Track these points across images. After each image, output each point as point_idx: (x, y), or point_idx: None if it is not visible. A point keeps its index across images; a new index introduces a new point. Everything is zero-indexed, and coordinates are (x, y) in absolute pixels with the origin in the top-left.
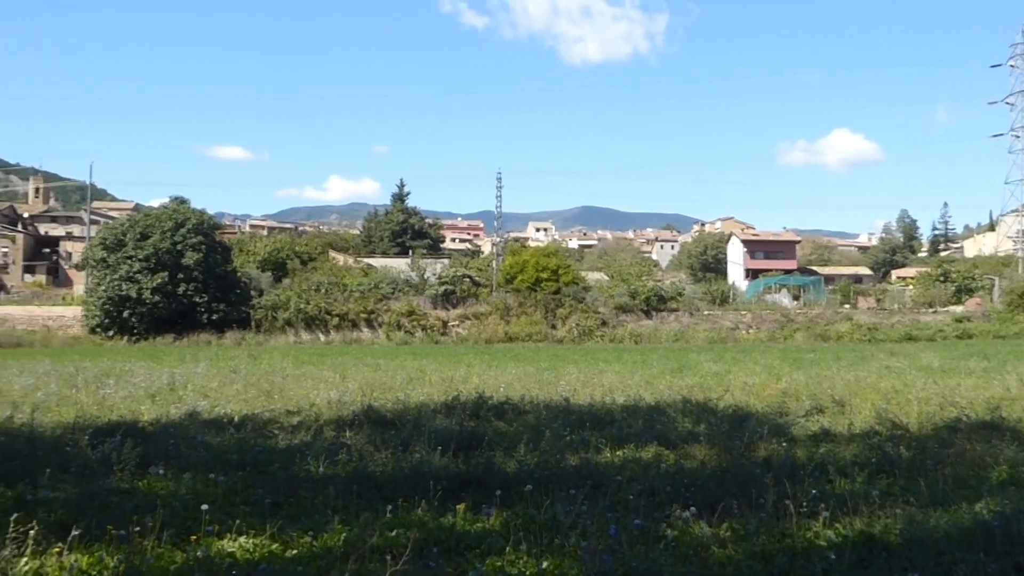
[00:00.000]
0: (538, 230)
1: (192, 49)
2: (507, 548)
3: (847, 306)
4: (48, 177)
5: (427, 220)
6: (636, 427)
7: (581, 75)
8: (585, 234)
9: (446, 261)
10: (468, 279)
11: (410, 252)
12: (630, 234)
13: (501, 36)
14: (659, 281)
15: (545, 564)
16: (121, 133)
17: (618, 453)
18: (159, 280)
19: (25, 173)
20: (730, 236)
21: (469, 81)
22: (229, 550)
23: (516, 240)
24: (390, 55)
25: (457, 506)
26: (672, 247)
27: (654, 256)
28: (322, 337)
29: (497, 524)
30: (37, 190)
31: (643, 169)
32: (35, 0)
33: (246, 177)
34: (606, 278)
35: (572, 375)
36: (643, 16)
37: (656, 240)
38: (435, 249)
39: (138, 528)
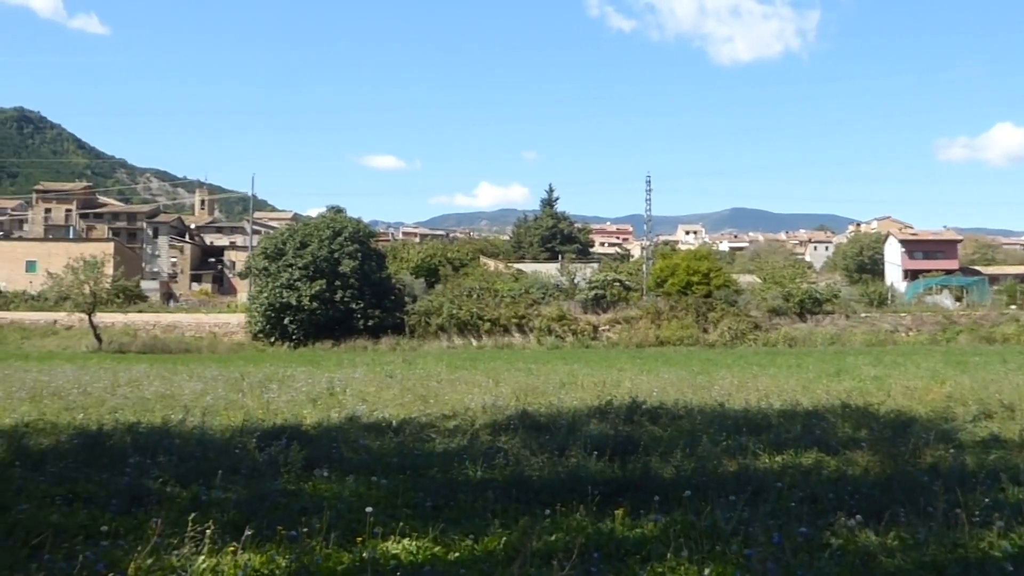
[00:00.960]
0: (688, 233)
1: (345, 60)
2: (668, 554)
3: (1013, 307)
4: (213, 189)
5: (576, 225)
6: (794, 432)
7: (731, 75)
8: (736, 236)
9: (595, 265)
10: (618, 283)
11: (560, 257)
12: (782, 235)
13: (648, 39)
14: (813, 283)
15: (707, 571)
16: (280, 145)
17: (776, 459)
18: (317, 287)
19: (192, 186)
20: (887, 236)
21: (617, 84)
22: (394, 552)
23: (665, 243)
24: (538, 61)
25: (615, 511)
26: (826, 248)
27: (807, 258)
28: (474, 342)
29: (657, 530)
30: (203, 202)
31: (795, 169)
32: (199, 23)
33: (399, 186)
34: (758, 281)
35: (725, 379)
36: (794, 13)
37: (809, 241)
38: (584, 254)
39: (306, 529)
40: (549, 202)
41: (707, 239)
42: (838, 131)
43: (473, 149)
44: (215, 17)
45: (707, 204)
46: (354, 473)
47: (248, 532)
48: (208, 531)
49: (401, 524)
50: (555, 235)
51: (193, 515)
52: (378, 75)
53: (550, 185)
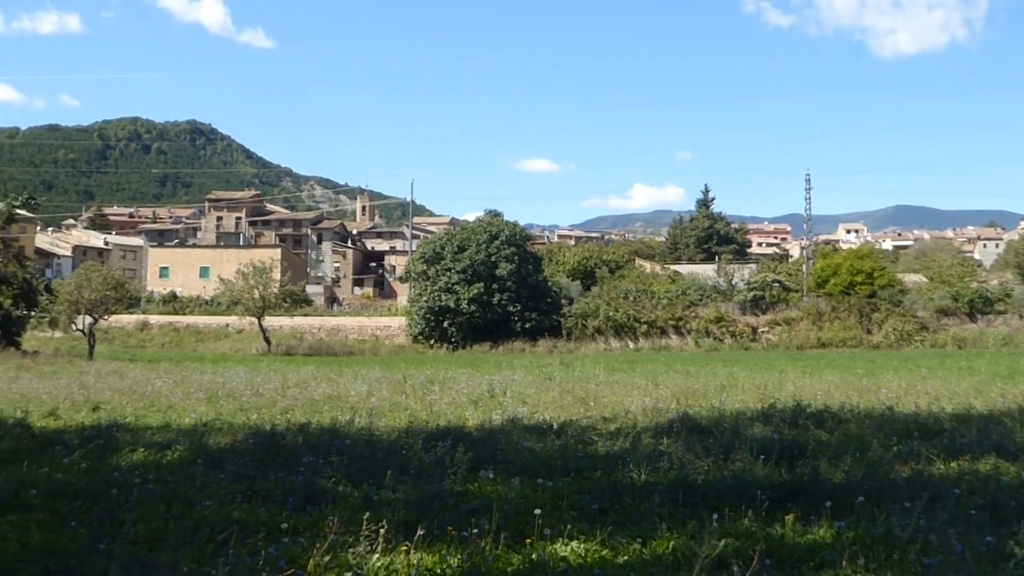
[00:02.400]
0: (849, 232)
1: (501, 66)
2: (843, 562)
3: None
4: (373, 196)
5: (732, 225)
6: (969, 437)
7: (893, 68)
8: (899, 234)
9: (753, 266)
10: (777, 284)
11: (716, 258)
12: (949, 233)
13: (806, 34)
14: (984, 282)
15: None
16: (437, 151)
17: (952, 465)
18: (475, 291)
19: (353, 193)
20: None
21: (774, 81)
22: (562, 554)
23: (826, 243)
24: (693, 60)
25: (785, 517)
26: (996, 246)
27: (976, 256)
28: (631, 344)
29: (829, 536)
30: (364, 208)
31: (962, 164)
32: (359, 35)
33: (552, 189)
34: (924, 280)
35: (892, 382)
36: (960, 3)
37: (978, 239)
38: (741, 254)
39: (476, 530)
40: (705, 202)
41: (869, 238)
42: (1009, 124)
43: (627, 150)
44: (374, 28)
45: (869, 202)
46: (519, 475)
47: (420, 532)
48: (382, 530)
49: (568, 527)
50: (711, 236)
51: (367, 514)
52: (531, 80)
53: (705, 185)
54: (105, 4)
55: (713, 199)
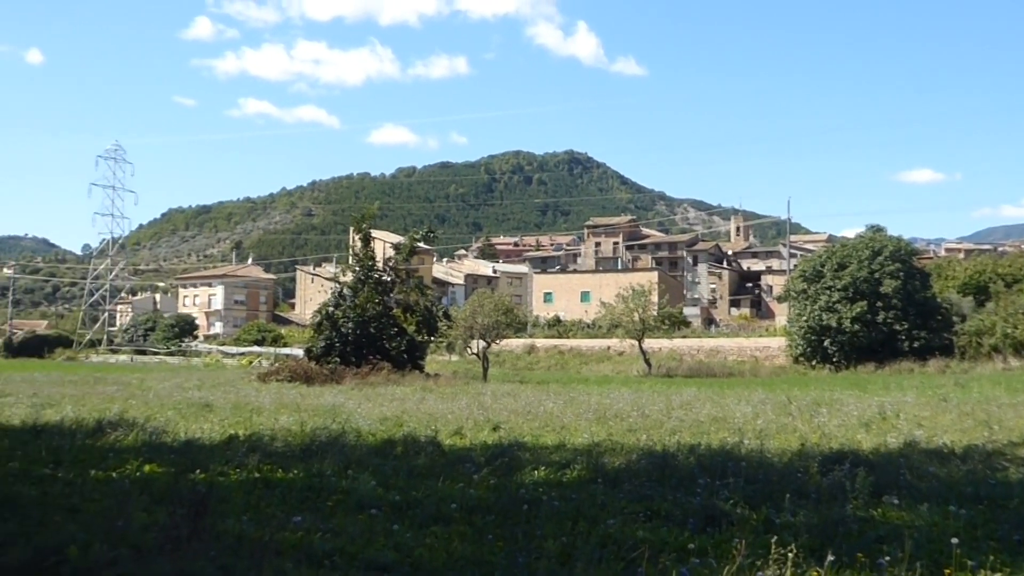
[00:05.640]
0: None
1: (875, 75)
2: None
3: None
4: (747, 216)
5: None
6: None
7: None
8: None
9: None
10: None
11: None
12: None
13: None
14: None
15: None
16: (811, 167)
17: None
18: (858, 309)
19: (726, 214)
20: None
21: None
22: None
23: None
24: None
25: None
26: None
27: None
28: None
29: None
30: (738, 229)
31: None
32: (728, 57)
33: (937, 200)
34: None
35: None
36: None
37: None
38: None
39: (888, 557)
40: None
41: None
42: None
43: (1020, 155)
44: (744, 49)
45: None
46: (926, 501)
47: (830, 557)
48: (790, 554)
49: (990, 557)
50: None
51: (775, 538)
52: (909, 86)
53: None
54: (487, 46)
55: None
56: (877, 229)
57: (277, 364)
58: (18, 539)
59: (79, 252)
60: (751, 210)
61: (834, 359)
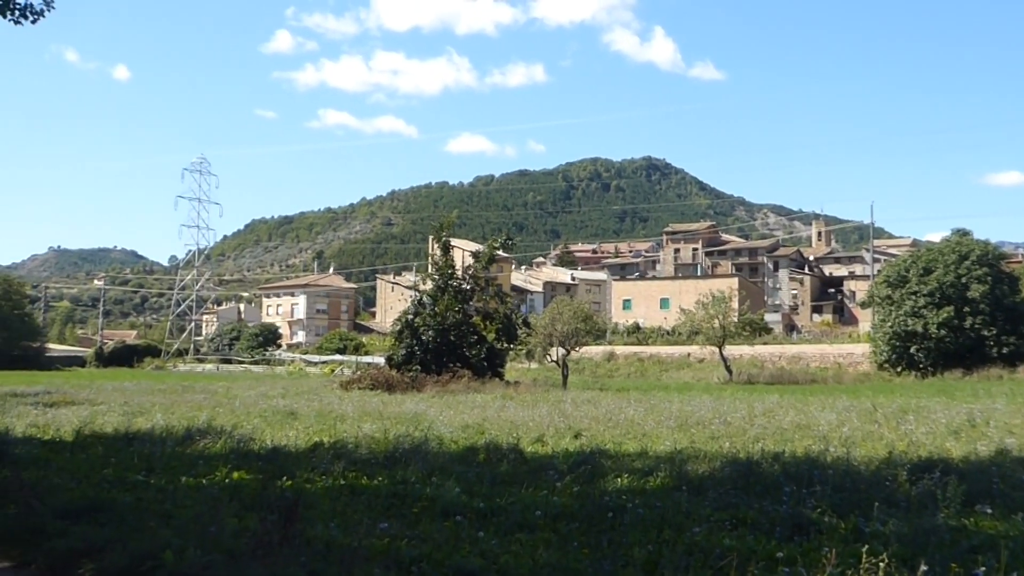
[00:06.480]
0: None
1: (962, 73)
2: None
3: None
4: (828, 220)
5: None
6: None
7: None
8: None
9: None
10: None
11: None
12: None
13: None
14: None
15: None
16: (895, 170)
17: None
18: (944, 315)
19: (807, 218)
20: None
21: None
22: None
23: None
24: None
25: None
26: None
27: None
28: None
29: None
30: (819, 234)
31: None
32: (808, 59)
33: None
34: None
35: None
36: None
37: None
38: None
39: (983, 568)
40: None
41: None
42: None
43: None
44: (823, 51)
45: None
46: (1021, 511)
47: (923, 567)
48: (881, 564)
49: None
50: None
51: (865, 547)
52: (997, 86)
53: None
54: (564, 53)
55: None
56: (963, 233)
57: (359, 372)
58: (115, 544)
59: (166, 263)
60: (833, 215)
61: (920, 366)
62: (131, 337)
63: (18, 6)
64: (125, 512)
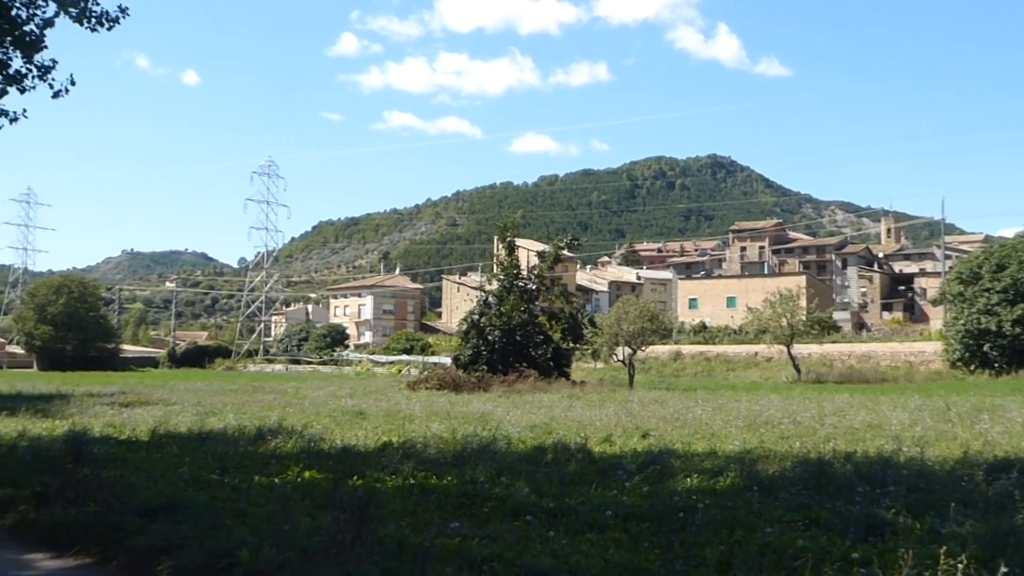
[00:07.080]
0: None
1: None
2: None
3: None
4: (898, 217)
5: None
6: None
7: None
8: None
9: None
10: None
11: None
12: None
13: None
14: None
15: None
16: (968, 165)
17: None
18: (1019, 312)
19: (876, 215)
20: None
21: None
22: None
23: None
24: None
25: None
26: None
27: None
28: None
29: None
30: (889, 230)
31: None
32: (875, 51)
33: None
34: None
35: None
36: None
37: None
38: None
39: None
40: None
41: None
42: None
43: None
44: (890, 43)
45: None
46: None
47: (1003, 569)
48: (960, 565)
49: None
50: None
51: (943, 548)
52: None
53: None
54: (627, 52)
55: None
56: None
57: (426, 372)
58: (192, 542)
59: (235, 265)
60: (902, 211)
61: (994, 364)
62: (202, 338)
63: (95, 14)
64: (201, 511)
